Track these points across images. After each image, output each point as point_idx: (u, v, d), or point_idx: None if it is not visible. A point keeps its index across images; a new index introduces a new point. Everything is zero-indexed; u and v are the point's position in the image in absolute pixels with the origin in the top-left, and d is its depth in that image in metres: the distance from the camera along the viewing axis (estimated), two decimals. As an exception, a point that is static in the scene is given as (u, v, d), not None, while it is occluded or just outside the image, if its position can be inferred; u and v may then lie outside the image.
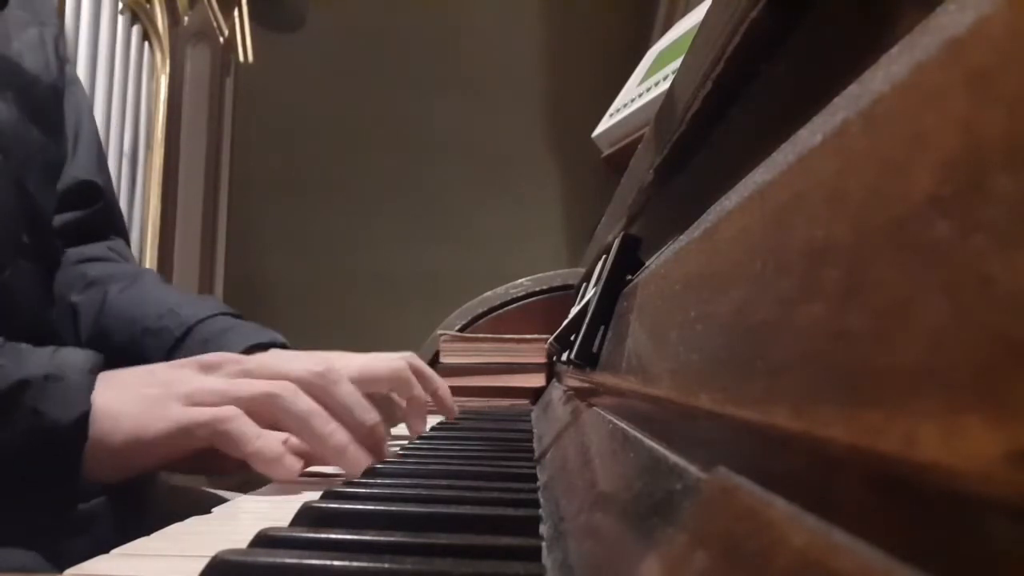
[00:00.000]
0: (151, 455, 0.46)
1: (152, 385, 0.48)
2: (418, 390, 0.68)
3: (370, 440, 0.51)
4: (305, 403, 0.48)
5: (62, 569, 0.29)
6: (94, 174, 0.75)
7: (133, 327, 0.66)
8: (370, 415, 0.51)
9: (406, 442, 0.66)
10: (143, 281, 0.73)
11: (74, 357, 0.46)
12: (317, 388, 0.49)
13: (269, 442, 0.46)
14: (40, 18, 0.69)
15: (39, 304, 0.62)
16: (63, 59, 0.72)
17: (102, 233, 0.77)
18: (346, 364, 0.58)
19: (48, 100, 0.67)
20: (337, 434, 0.49)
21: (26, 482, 0.43)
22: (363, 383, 0.57)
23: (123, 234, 0.82)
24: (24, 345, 0.46)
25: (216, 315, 0.68)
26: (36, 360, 0.45)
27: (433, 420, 0.92)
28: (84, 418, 0.44)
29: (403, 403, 0.68)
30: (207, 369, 0.50)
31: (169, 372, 0.50)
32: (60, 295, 0.70)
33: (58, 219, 0.71)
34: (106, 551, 0.31)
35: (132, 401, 0.46)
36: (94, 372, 0.46)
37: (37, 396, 0.43)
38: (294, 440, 0.49)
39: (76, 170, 0.73)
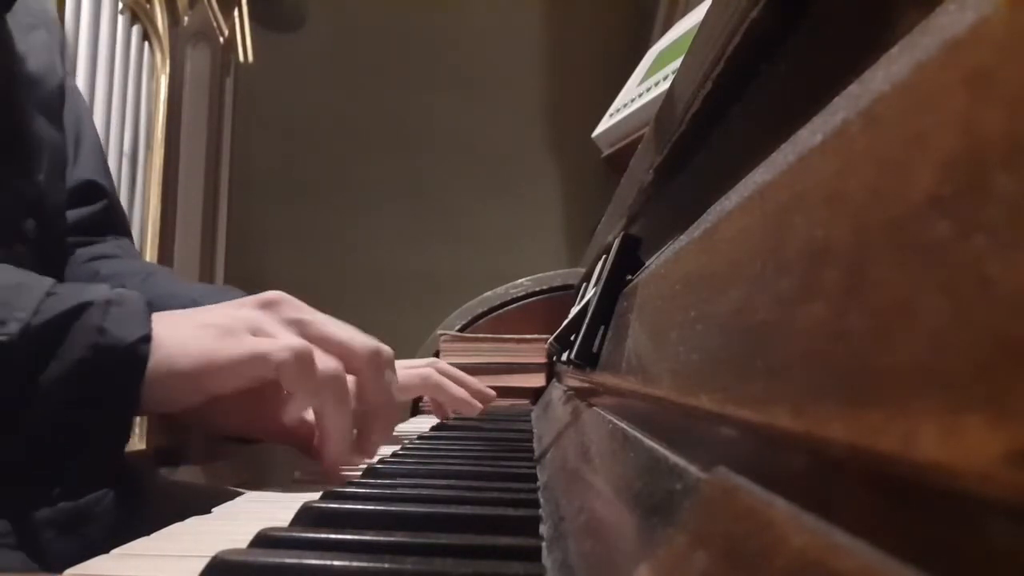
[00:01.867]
0: (220, 382, 0.46)
1: (215, 316, 0.48)
2: (454, 389, 0.74)
3: (385, 431, 0.53)
4: (346, 395, 0.49)
5: (49, 569, 0.28)
6: (97, 175, 0.77)
7: None
8: (397, 417, 0.54)
9: (406, 441, 0.67)
10: (159, 276, 0.74)
11: (132, 292, 0.47)
12: (367, 364, 0.51)
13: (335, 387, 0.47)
14: (46, 24, 0.70)
15: None
16: (65, 66, 0.73)
17: (107, 231, 0.78)
18: None
19: (54, 99, 0.69)
20: (347, 435, 0.49)
21: (86, 403, 0.43)
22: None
23: (128, 234, 0.83)
24: (79, 283, 0.47)
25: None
26: (97, 289, 0.46)
27: (433, 420, 0.92)
28: (145, 339, 0.44)
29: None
30: (267, 307, 0.50)
31: (229, 308, 0.51)
32: None
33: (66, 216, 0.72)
34: (102, 550, 0.31)
35: (198, 328, 0.47)
36: (150, 306, 0.47)
37: (100, 316, 0.44)
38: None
39: (79, 171, 0.75)
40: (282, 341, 0.47)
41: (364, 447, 0.53)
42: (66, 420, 0.43)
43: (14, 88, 0.62)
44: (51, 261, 0.66)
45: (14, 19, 0.64)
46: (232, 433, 0.61)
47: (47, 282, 0.45)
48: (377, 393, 0.51)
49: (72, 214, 0.74)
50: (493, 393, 0.85)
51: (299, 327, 0.50)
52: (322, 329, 0.50)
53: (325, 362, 0.48)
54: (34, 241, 0.62)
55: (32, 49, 0.66)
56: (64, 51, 0.74)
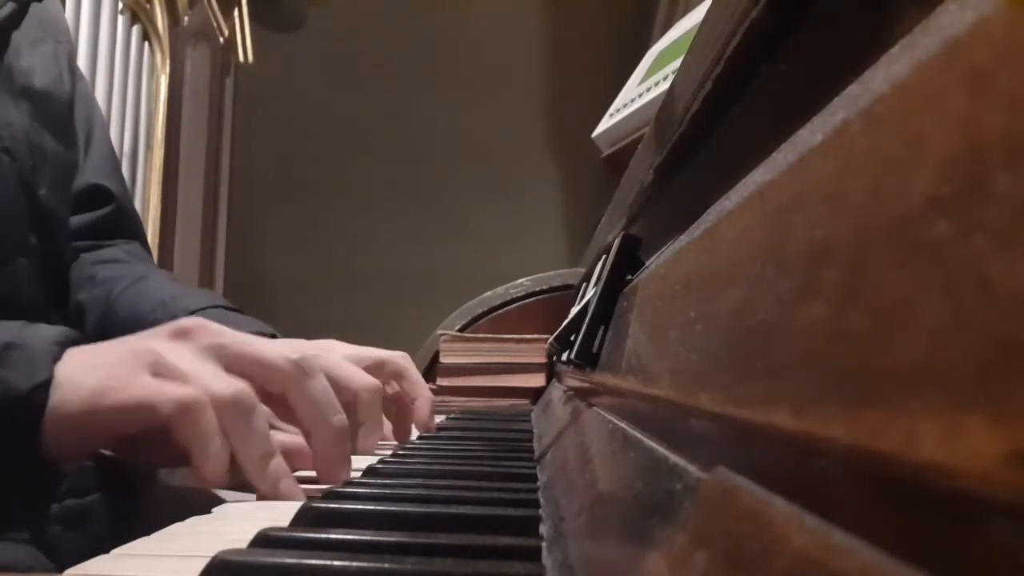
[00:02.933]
0: (109, 427, 0.44)
1: (116, 353, 0.45)
2: (405, 385, 0.65)
3: (334, 443, 0.48)
4: (257, 423, 0.44)
5: (59, 565, 0.28)
6: (105, 179, 0.76)
7: (134, 323, 0.65)
8: (338, 416, 0.48)
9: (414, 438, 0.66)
10: (149, 279, 0.73)
11: (44, 330, 0.45)
12: (289, 378, 0.47)
13: (222, 450, 0.43)
14: (55, 36, 0.70)
15: (41, 304, 0.63)
16: (76, 75, 0.73)
17: (114, 236, 0.77)
18: (329, 350, 0.55)
19: (62, 112, 0.69)
20: (272, 463, 0.45)
21: None
22: (354, 360, 0.55)
23: (140, 237, 0.82)
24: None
25: (207, 307, 0.67)
26: (4, 330, 0.43)
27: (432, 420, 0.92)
28: (44, 386, 0.42)
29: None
30: (179, 336, 0.46)
31: (138, 341, 0.47)
32: (71, 298, 0.70)
33: (73, 221, 0.72)
34: (103, 550, 0.31)
35: (92, 369, 0.44)
36: (63, 344, 0.44)
37: None
38: (281, 436, 0.48)
39: (87, 175, 0.74)
40: (172, 391, 0.43)
41: (322, 467, 0.48)
42: None
43: (25, 103, 0.62)
44: (53, 272, 0.66)
45: (22, 34, 0.64)
46: (170, 466, 0.58)
47: None
48: (305, 405, 0.47)
49: (79, 219, 0.74)
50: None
51: (216, 352, 0.46)
52: (240, 350, 0.47)
53: (226, 387, 0.44)
54: (36, 255, 0.61)
55: (39, 63, 0.66)
56: (74, 62, 0.74)
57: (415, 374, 0.68)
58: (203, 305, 0.68)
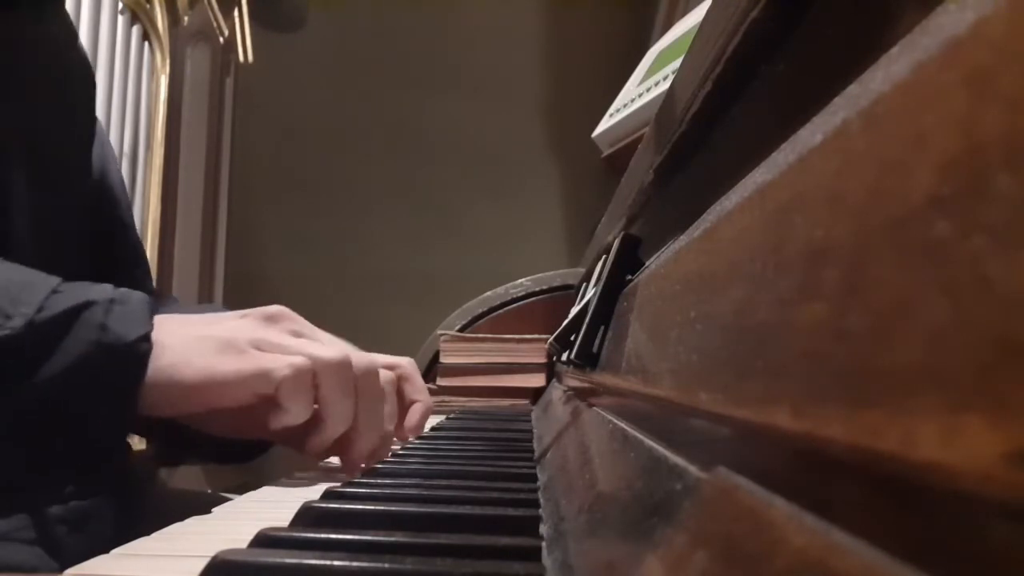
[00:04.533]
0: (220, 397, 0.47)
1: (217, 329, 0.49)
2: (407, 387, 0.68)
3: (379, 444, 0.53)
4: (353, 386, 0.50)
5: (64, 566, 0.29)
6: (124, 214, 0.80)
7: None
8: (391, 425, 0.54)
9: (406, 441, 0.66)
10: (168, 305, 0.76)
11: (135, 292, 0.48)
12: (366, 377, 0.51)
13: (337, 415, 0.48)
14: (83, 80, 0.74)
15: None
16: (94, 116, 0.76)
17: (139, 264, 0.81)
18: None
19: (87, 136, 0.72)
20: (380, 423, 0.51)
21: (85, 399, 0.44)
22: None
23: (142, 265, 0.85)
24: (85, 282, 0.48)
25: None
26: (100, 288, 0.46)
27: (433, 420, 0.92)
28: (145, 338, 0.45)
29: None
30: (269, 321, 0.51)
31: (234, 320, 0.51)
32: None
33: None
34: (107, 551, 0.31)
35: (203, 342, 0.47)
36: (152, 307, 0.47)
37: (103, 314, 0.44)
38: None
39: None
40: (284, 359, 0.47)
41: (369, 460, 0.53)
42: (67, 413, 0.43)
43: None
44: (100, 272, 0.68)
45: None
46: (226, 435, 0.61)
47: (54, 280, 0.45)
48: (369, 405, 0.52)
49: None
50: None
51: (301, 334, 0.51)
52: (324, 338, 0.52)
53: (332, 352, 0.49)
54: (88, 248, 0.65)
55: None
56: (93, 102, 0.77)
57: (419, 380, 0.71)
58: None
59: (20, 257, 0.56)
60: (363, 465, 0.53)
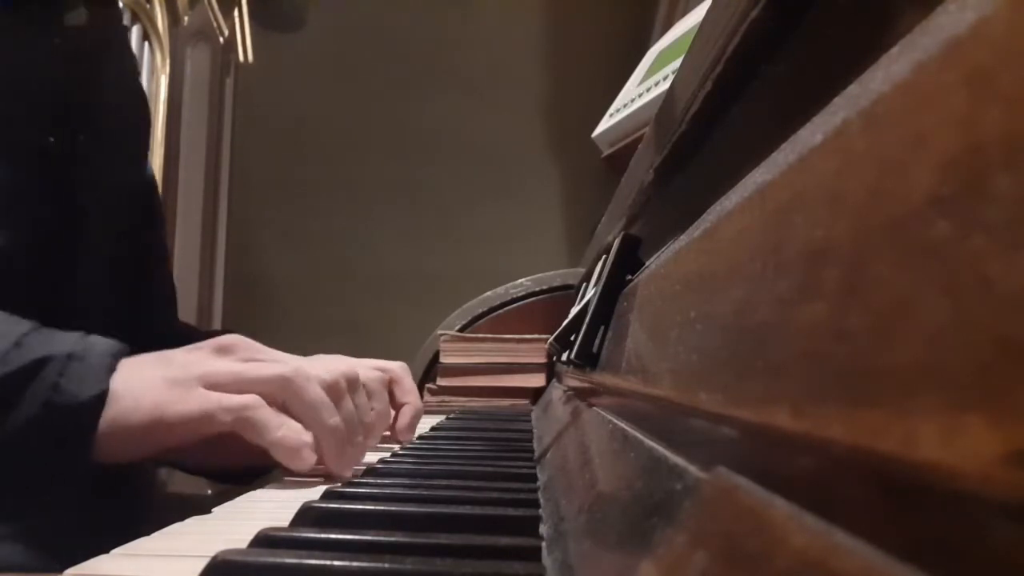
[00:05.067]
0: (170, 436, 0.47)
1: (170, 368, 0.49)
2: (397, 390, 0.69)
3: (369, 432, 0.53)
4: (316, 391, 0.49)
5: (66, 567, 0.29)
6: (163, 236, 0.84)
7: None
8: (368, 416, 0.53)
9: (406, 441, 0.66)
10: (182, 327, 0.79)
11: (100, 342, 0.48)
12: (328, 384, 0.51)
13: (291, 431, 0.47)
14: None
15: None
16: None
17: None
18: (331, 361, 0.59)
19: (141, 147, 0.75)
20: (338, 431, 0.50)
21: (39, 456, 0.44)
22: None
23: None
24: (56, 331, 0.48)
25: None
26: (62, 340, 0.46)
27: (433, 420, 0.92)
28: (101, 397, 0.45)
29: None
30: (221, 352, 0.51)
31: (185, 356, 0.51)
32: None
33: None
34: (107, 551, 0.31)
35: (152, 382, 0.47)
36: (117, 357, 0.47)
37: (59, 372, 0.44)
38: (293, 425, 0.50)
39: None
40: (224, 401, 0.47)
41: (356, 457, 0.53)
42: (25, 465, 0.44)
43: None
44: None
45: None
46: (208, 467, 0.61)
47: (18, 331, 0.46)
48: (341, 402, 0.52)
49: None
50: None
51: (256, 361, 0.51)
52: (278, 357, 0.51)
53: (273, 369, 0.49)
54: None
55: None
56: (149, 129, 0.80)
57: (408, 382, 0.71)
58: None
59: (87, 283, 0.57)
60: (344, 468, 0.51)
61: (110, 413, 0.45)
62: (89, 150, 0.62)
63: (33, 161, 0.57)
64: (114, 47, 0.69)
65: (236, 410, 0.46)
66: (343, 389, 0.52)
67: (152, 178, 0.80)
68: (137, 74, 0.77)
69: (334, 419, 0.50)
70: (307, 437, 0.48)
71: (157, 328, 0.72)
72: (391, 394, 0.69)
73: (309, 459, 0.48)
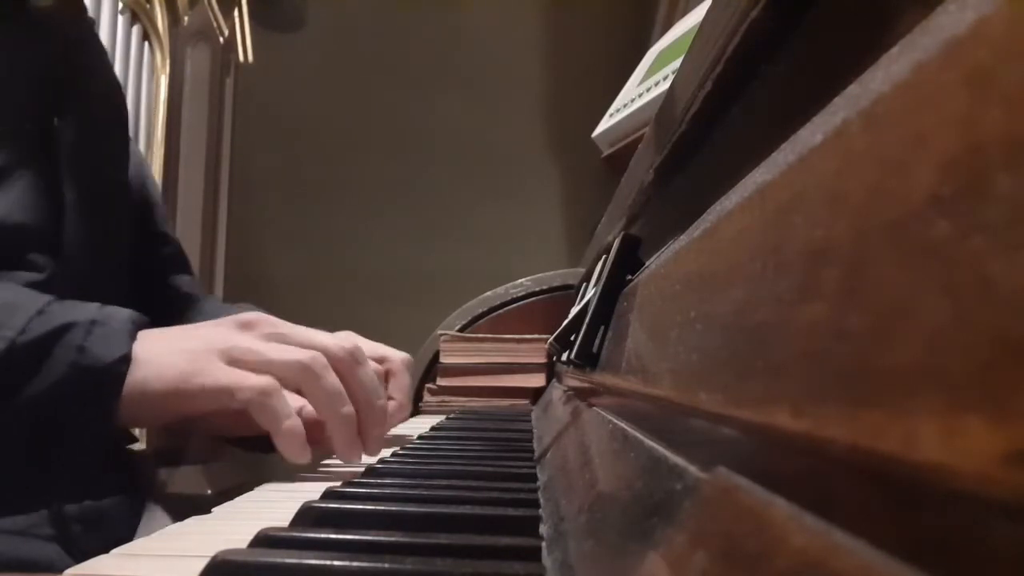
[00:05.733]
0: (190, 405, 0.49)
1: (193, 340, 0.50)
2: (390, 384, 0.70)
3: (377, 420, 0.54)
4: (333, 381, 0.51)
5: (79, 562, 0.29)
6: (163, 225, 0.85)
7: None
8: (382, 400, 0.54)
9: (407, 441, 0.66)
10: (201, 304, 0.80)
11: (120, 310, 0.50)
12: (344, 364, 0.52)
13: (296, 426, 0.49)
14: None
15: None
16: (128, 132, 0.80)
17: (182, 271, 0.85)
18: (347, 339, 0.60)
19: (123, 155, 0.75)
20: (351, 419, 0.51)
21: (66, 417, 0.45)
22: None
23: (192, 273, 0.89)
24: (74, 301, 0.49)
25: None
26: (84, 309, 0.48)
27: (433, 420, 0.92)
28: (124, 360, 0.47)
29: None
30: (244, 327, 0.52)
31: (209, 329, 0.52)
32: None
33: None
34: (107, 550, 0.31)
35: (175, 353, 0.49)
36: (136, 324, 0.49)
37: (82, 336, 0.46)
38: (308, 408, 0.53)
39: (153, 224, 0.82)
40: (249, 379, 0.48)
41: (366, 445, 0.54)
42: (50, 428, 0.45)
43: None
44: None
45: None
46: (223, 434, 0.63)
47: (41, 301, 0.47)
48: (355, 388, 0.53)
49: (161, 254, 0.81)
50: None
51: (278, 340, 0.52)
52: (300, 338, 0.53)
53: (295, 355, 0.50)
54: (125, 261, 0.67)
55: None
56: (127, 112, 0.80)
57: (404, 379, 0.72)
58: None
59: (72, 270, 0.58)
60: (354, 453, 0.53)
61: (134, 378, 0.47)
62: (72, 136, 0.63)
63: (16, 145, 0.58)
64: (85, 34, 0.69)
65: (253, 391, 0.48)
66: (352, 363, 0.53)
67: (141, 168, 0.81)
68: (111, 67, 0.78)
69: (347, 408, 0.51)
70: (303, 434, 0.49)
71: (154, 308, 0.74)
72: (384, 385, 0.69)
73: (306, 455, 0.49)
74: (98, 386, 0.46)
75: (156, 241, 0.81)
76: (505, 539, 0.29)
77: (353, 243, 2.30)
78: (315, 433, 0.54)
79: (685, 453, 0.21)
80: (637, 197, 0.47)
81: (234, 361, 0.49)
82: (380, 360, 0.70)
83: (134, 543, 0.33)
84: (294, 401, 0.53)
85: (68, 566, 0.28)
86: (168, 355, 0.49)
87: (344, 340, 0.54)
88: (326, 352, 0.51)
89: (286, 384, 0.50)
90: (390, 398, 0.69)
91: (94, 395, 0.46)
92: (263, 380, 0.48)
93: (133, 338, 0.48)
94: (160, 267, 0.81)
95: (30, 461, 0.46)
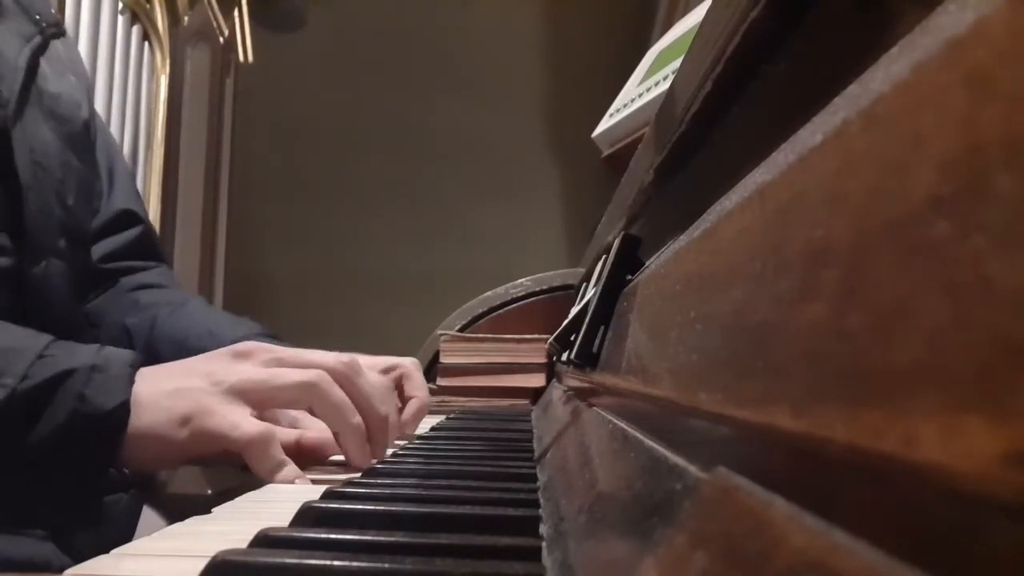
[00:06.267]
0: (191, 450, 0.49)
1: (193, 377, 0.51)
2: (407, 385, 0.73)
3: (381, 426, 0.55)
4: (339, 394, 0.52)
5: (76, 561, 0.29)
6: (132, 203, 0.84)
7: (179, 348, 0.72)
8: (385, 406, 0.56)
9: (407, 441, 0.67)
10: (189, 306, 0.80)
11: (117, 353, 0.50)
12: (345, 378, 0.53)
13: (288, 474, 0.49)
14: (74, 71, 0.77)
15: (68, 302, 0.68)
16: (92, 109, 0.80)
17: (148, 256, 0.85)
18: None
19: (83, 136, 0.74)
20: (360, 428, 0.53)
21: (67, 465, 0.46)
22: (370, 366, 0.63)
23: (165, 260, 0.90)
24: (73, 343, 0.50)
25: (250, 336, 0.74)
26: (83, 353, 0.48)
27: (433, 420, 0.92)
28: (125, 406, 0.47)
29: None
30: (240, 358, 0.53)
31: (205, 364, 0.53)
32: (115, 319, 0.78)
33: (107, 244, 0.79)
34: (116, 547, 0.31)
35: (176, 395, 0.49)
36: (134, 367, 0.50)
37: (82, 383, 0.46)
38: (309, 435, 0.55)
39: (115, 202, 0.82)
40: (245, 426, 0.49)
41: (373, 450, 0.55)
42: (50, 472, 0.46)
43: (53, 123, 0.68)
44: (79, 279, 0.71)
45: (50, 64, 0.71)
46: (223, 463, 0.64)
47: (40, 344, 0.48)
48: (359, 399, 0.54)
49: (112, 241, 0.81)
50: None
51: (277, 365, 0.53)
52: (299, 359, 0.54)
53: (298, 376, 0.51)
54: (66, 258, 0.67)
55: (63, 90, 0.72)
56: (91, 96, 0.80)
57: (418, 378, 0.74)
58: (246, 333, 0.75)
59: (35, 253, 0.59)
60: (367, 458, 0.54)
61: (138, 422, 0.47)
62: (28, 115, 0.63)
63: None
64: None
65: (249, 438, 0.48)
66: (352, 376, 0.54)
67: (109, 149, 0.81)
68: (88, 82, 0.79)
69: (356, 418, 0.52)
70: (293, 482, 0.50)
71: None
72: (400, 389, 0.72)
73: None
74: (99, 434, 0.46)
75: (119, 219, 0.81)
76: (505, 539, 0.29)
77: (353, 243, 2.30)
78: (314, 454, 0.56)
79: (685, 453, 0.21)
80: (637, 197, 0.47)
81: (239, 394, 0.50)
82: (391, 368, 0.72)
83: (134, 543, 0.33)
84: (288, 435, 0.55)
85: (65, 565, 0.28)
86: (169, 398, 0.49)
87: (340, 356, 0.55)
88: (326, 369, 0.52)
89: (296, 405, 0.51)
90: (411, 397, 0.72)
91: (95, 442, 0.46)
92: (258, 428, 0.49)
93: (131, 382, 0.48)
94: (137, 252, 0.81)
95: (28, 489, 0.47)
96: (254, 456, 0.49)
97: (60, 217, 0.67)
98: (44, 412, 0.45)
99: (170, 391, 0.49)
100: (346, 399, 0.52)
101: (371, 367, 0.66)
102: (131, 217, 0.83)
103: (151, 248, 0.86)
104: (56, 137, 0.68)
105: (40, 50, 0.69)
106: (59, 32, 0.73)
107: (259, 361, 0.53)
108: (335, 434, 0.54)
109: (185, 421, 0.48)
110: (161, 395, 0.49)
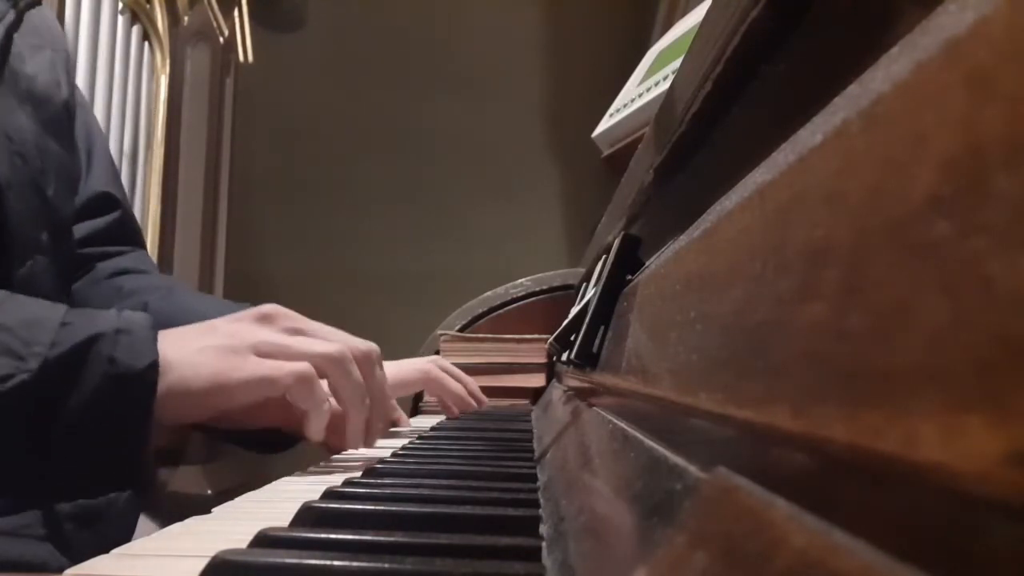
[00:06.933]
0: (231, 399, 0.50)
1: (218, 337, 0.52)
2: (453, 385, 0.84)
3: (383, 416, 0.57)
4: (358, 374, 0.54)
5: (73, 562, 0.29)
6: (109, 186, 0.81)
7: None
8: (394, 412, 0.58)
9: (407, 441, 0.67)
10: (179, 291, 0.79)
11: (136, 315, 0.50)
12: (366, 360, 0.55)
13: (329, 408, 0.52)
14: (52, 44, 0.73)
15: (54, 295, 0.67)
16: (72, 83, 0.76)
17: (125, 241, 0.82)
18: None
19: (62, 117, 0.72)
20: (367, 412, 0.54)
21: (105, 426, 0.46)
22: (393, 389, 0.66)
23: (143, 245, 0.87)
24: (88, 309, 0.50)
25: None
26: (104, 317, 0.49)
27: (433, 420, 0.92)
28: (154, 365, 0.47)
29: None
30: (264, 321, 0.54)
31: (230, 326, 0.54)
32: (98, 306, 0.74)
33: (82, 228, 0.77)
34: (114, 547, 0.31)
35: (204, 351, 0.50)
36: (155, 329, 0.50)
37: (110, 347, 0.47)
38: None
39: (93, 184, 0.79)
40: (287, 367, 0.50)
41: (369, 437, 0.57)
42: (87, 439, 0.46)
43: (29, 108, 0.66)
44: (64, 272, 0.70)
45: (23, 40, 0.67)
46: (239, 427, 0.64)
47: (59, 311, 0.47)
48: (373, 388, 0.56)
49: (88, 225, 0.78)
50: (485, 399, 0.93)
51: (299, 334, 0.54)
52: (321, 332, 0.55)
53: (326, 348, 0.53)
54: (49, 252, 0.66)
55: (39, 69, 0.69)
56: (71, 69, 0.77)
57: (455, 369, 0.86)
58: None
59: (19, 246, 0.58)
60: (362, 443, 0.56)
61: (168, 380, 0.48)
62: (1, 111, 0.62)
63: None
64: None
65: (294, 377, 0.50)
66: (369, 365, 0.56)
67: (90, 137, 0.79)
68: (67, 53, 0.76)
69: (367, 401, 0.54)
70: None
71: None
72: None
73: (322, 436, 0.53)
74: (133, 393, 0.47)
75: (95, 202, 0.79)
76: (505, 539, 0.29)
77: (353, 243, 2.30)
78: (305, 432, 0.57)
79: (685, 453, 0.21)
80: (637, 197, 0.47)
81: (264, 355, 0.51)
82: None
83: (134, 543, 0.33)
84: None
85: (63, 566, 0.28)
86: (198, 354, 0.50)
87: (361, 341, 0.56)
88: (349, 347, 0.54)
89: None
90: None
91: (131, 402, 0.47)
92: (301, 366, 0.50)
93: (156, 341, 0.49)
94: (118, 234, 0.80)
95: (62, 465, 0.47)
96: (304, 392, 0.50)
97: (42, 211, 0.65)
98: (79, 377, 0.45)
99: (198, 348, 0.50)
100: (362, 380, 0.54)
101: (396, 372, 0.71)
102: (109, 200, 0.80)
103: (129, 232, 0.83)
104: (33, 123, 0.66)
105: (14, 27, 0.66)
106: (34, 2, 0.69)
107: (281, 327, 0.54)
108: (345, 411, 0.55)
109: (222, 374, 0.49)
110: (190, 352, 0.50)
